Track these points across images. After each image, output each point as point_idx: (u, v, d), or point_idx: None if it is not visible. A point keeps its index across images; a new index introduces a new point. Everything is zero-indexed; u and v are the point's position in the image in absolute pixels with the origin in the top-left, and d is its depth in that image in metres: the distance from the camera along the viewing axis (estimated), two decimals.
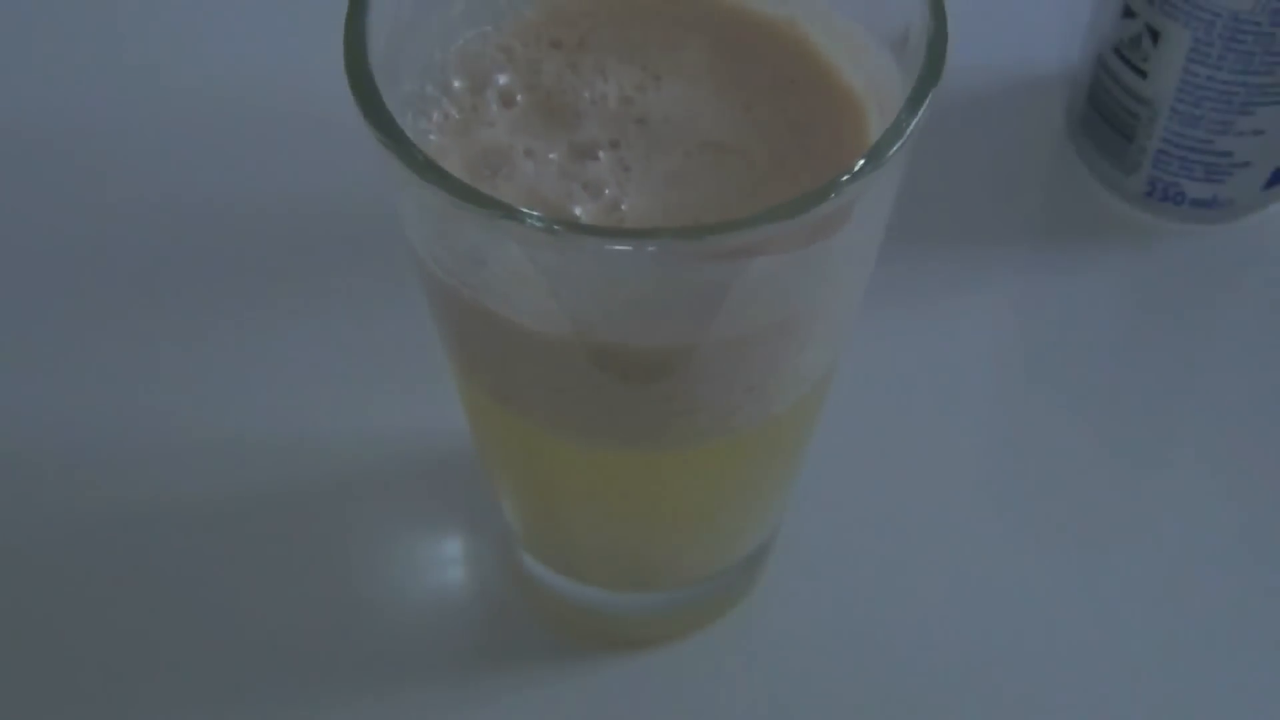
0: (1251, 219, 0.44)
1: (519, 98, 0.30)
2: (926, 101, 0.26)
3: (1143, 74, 0.42)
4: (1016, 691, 0.37)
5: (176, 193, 0.45)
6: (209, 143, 0.45)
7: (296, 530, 0.39)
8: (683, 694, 0.37)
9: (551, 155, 0.30)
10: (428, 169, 0.25)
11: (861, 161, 0.26)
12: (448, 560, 0.39)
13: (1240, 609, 0.38)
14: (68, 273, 0.43)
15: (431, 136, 0.30)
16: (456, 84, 0.30)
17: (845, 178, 0.25)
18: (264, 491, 0.40)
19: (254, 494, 0.39)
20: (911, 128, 0.26)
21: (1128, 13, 0.41)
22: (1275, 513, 0.40)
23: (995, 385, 0.43)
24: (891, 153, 0.26)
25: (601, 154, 0.30)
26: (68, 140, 0.46)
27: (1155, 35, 0.41)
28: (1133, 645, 0.38)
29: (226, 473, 0.40)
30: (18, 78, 0.48)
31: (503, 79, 0.31)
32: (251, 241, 0.43)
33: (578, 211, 0.29)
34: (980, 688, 0.37)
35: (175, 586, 0.38)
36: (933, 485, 0.40)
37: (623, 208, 0.29)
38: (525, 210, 0.25)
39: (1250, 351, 0.42)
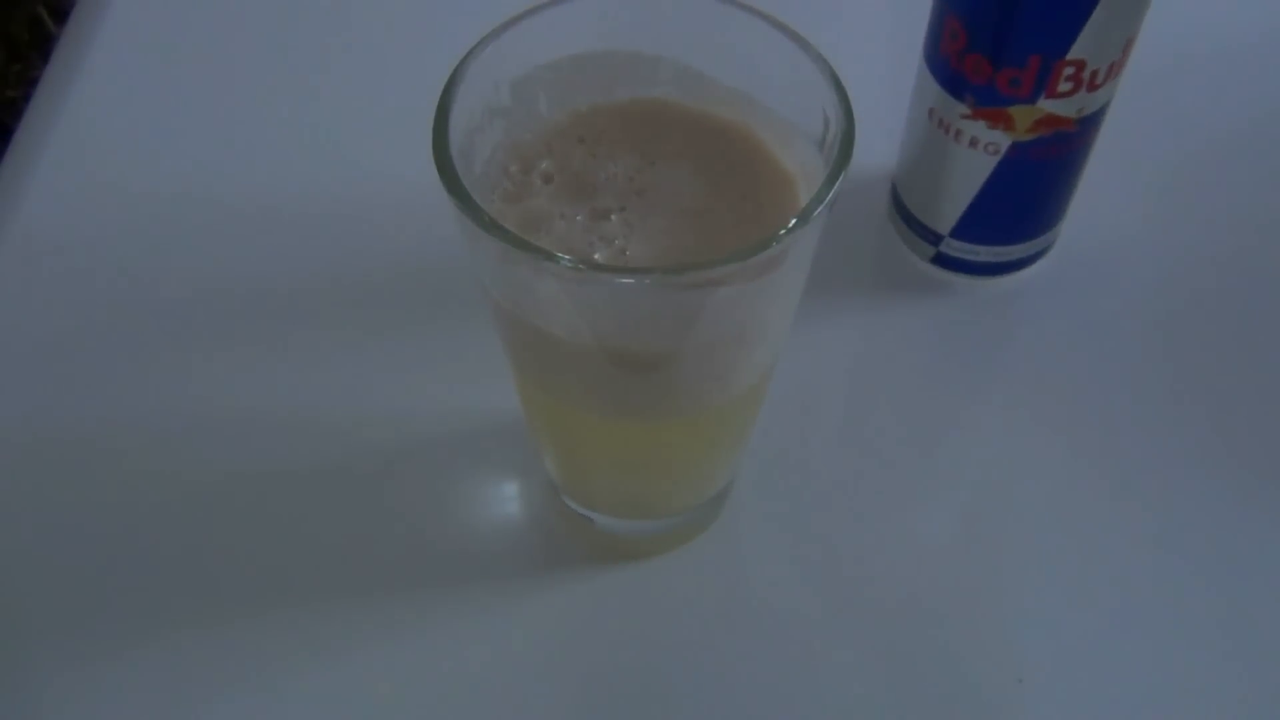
0: (1008, 279, 0.43)
1: (555, 177, 0.30)
2: (840, 178, 0.26)
3: None
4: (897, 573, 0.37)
5: (332, 250, 0.44)
6: (359, 222, 0.45)
7: (408, 475, 0.38)
8: (671, 588, 0.36)
9: (578, 217, 0.29)
10: (492, 227, 0.25)
11: (794, 221, 0.25)
12: (508, 498, 0.39)
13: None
14: (272, 312, 0.43)
15: (495, 205, 0.29)
16: (512, 168, 0.30)
17: (783, 231, 0.25)
18: (385, 449, 0.39)
19: (377, 451, 0.39)
20: (829, 197, 0.26)
21: None
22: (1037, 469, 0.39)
23: (862, 377, 0.42)
24: (815, 214, 0.25)
25: (613, 216, 0.29)
26: (282, 223, 0.45)
27: None
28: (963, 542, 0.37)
29: (357, 436, 0.39)
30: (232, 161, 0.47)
31: (544, 164, 0.30)
32: (373, 284, 0.43)
33: (596, 256, 0.28)
34: (864, 575, 0.37)
35: (332, 509, 0.38)
36: (834, 440, 0.40)
37: (628, 253, 0.28)
38: (560, 255, 0.24)
39: (1006, 354, 0.43)
